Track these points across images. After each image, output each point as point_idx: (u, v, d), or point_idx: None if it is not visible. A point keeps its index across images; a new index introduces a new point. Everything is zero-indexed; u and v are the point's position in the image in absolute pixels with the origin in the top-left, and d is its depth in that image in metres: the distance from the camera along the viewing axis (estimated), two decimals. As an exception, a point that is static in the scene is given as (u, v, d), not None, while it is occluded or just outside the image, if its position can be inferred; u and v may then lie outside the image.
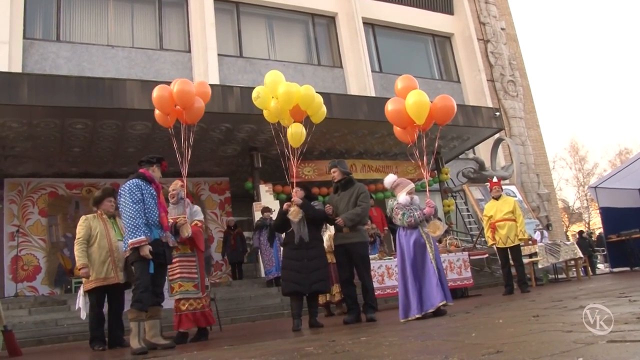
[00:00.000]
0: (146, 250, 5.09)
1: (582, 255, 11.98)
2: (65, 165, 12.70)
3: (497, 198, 9.22)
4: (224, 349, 4.64)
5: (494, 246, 9.26)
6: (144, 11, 15.86)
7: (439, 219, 6.53)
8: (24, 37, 13.57)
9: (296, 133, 6.63)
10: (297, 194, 6.38)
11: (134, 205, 5.14)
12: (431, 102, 6.38)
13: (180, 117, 6.24)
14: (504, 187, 15.57)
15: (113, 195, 6.52)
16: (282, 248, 7.55)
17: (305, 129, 6.75)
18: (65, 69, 13.61)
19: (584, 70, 69.71)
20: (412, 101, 6.25)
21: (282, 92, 6.53)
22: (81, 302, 6.75)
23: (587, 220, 39.08)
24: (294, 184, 6.48)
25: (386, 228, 13.20)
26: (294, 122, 6.68)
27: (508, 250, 9.00)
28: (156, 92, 6.25)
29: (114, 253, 6.25)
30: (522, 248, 10.89)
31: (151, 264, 5.18)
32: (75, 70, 13.67)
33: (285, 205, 6.28)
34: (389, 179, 6.28)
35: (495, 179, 9.58)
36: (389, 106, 6.52)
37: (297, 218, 6.15)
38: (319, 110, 6.93)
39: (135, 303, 5.09)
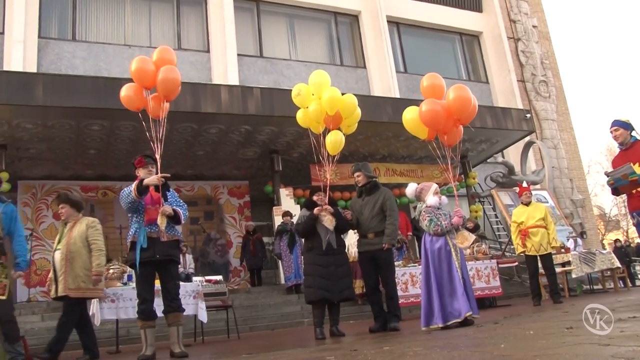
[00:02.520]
0: (151, 179, 5.21)
1: (619, 265, 11.53)
2: (80, 168, 12.74)
3: (527, 204, 8.95)
4: (242, 357, 4.66)
5: (523, 254, 8.95)
6: (162, 10, 15.93)
7: (477, 225, 6.47)
8: (39, 37, 13.66)
9: (336, 141, 6.61)
10: (320, 199, 6.38)
11: (122, 199, 5.36)
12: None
13: (155, 100, 5.75)
14: (535, 192, 15.19)
15: (65, 202, 6.17)
16: (302, 255, 7.45)
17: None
18: (82, 69, 13.67)
19: (622, 70, 68.30)
20: (407, 119, 6.41)
21: (327, 98, 6.44)
22: (95, 308, 6.75)
23: (625, 229, 38.21)
24: (328, 190, 6.43)
25: (410, 233, 13.11)
26: (329, 130, 6.62)
27: (538, 258, 8.74)
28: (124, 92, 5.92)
29: (53, 264, 5.94)
30: (554, 256, 10.52)
31: (135, 266, 5.27)
32: (92, 70, 13.75)
33: (316, 210, 6.21)
34: (411, 189, 6.32)
35: (525, 184, 9.35)
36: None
37: (332, 225, 6.16)
38: (354, 123, 6.92)
39: (138, 314, 5.36)
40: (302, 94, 6.71)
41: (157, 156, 5.48)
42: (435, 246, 5.82)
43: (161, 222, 5.23)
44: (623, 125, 6.05)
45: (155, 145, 5.46)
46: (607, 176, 6.08)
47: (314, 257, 6.17)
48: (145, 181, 5.16)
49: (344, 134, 6.79)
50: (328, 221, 6.15)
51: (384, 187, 6.65)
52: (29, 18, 13.36)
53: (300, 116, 6.87)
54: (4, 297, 5.20)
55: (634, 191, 5.91)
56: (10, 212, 5.44)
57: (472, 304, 5.62)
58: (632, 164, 5.81)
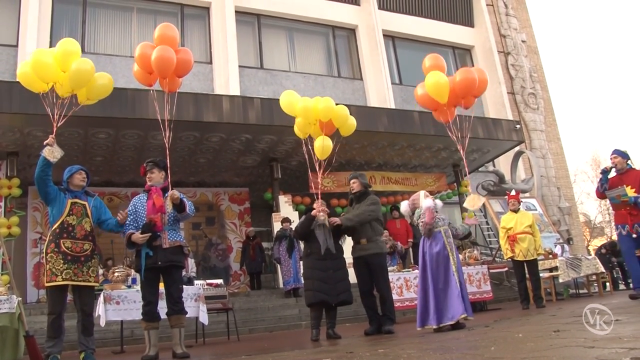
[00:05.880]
0: (136, 237, 5.26)
1: (603, 270, 11.80)
2: (87, 174, 12.77)
3: (515, 211, 9.18)
4: (242, 358, 4.66)
5: (511, 259, 9.21)
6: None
7: (469, 232, 6.58)
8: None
9: (320, 146, 6.78)
10: (321, 207, 6.43)
11: (127, 228, 5.44)
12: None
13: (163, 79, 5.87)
14: (524, 200, 15.51)
15: None
16: (301, 260, 7.59)
17: (334, 141, 6.93)
18: (89, 80, 13.75)
19: (607, 84, 69.00)
20: (430, 82, 6.56)
21: (301, 108, 6.71)
22: (101, 310, 6.85)
23: (609, 235, 38.53)
24: (319, 195, 6.56)
25: (410, 240, 13.15)
26: (324, 134, 6.82)
27: (524, 264, 8.95)
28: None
29: None
30: (542, 262, 10.81)
31: (141, 272, 5.38)
32: (99, 80, 13.83)
33: (314, 211, 6.34)
34: (404, 206, 6.47)
35: (513, 192, 9.54)
36: (418, 91, 6.85)
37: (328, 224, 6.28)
38: (346, 122, 7.05)
39: (142, 316, 5.44)
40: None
41: (165, 140, 5.69)
42: (434, 250, 5.88)
43: (168, 206, 5.36)
44: (621, 154, 7.35)
45: (165, 126, 5.70)
46: (606, 193, 7.36)
47: (313, 261, 6.26)
48: (133, 237, 5.27)
49: (341, 135, 7.06)
50: (329, 223, 6.28)
51: (372, 195, 6.72)
52: (41, 32, 13.50)
53: (296, 131, 7.07)
54: (97, 284, 5.47)
55: (622, 209, 7.20)
56: (99, 205, 5.57)
57: (467, 306, 5.70)
58: (625, 187, 7.09)
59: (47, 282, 5.15)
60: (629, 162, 7.38)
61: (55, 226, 5.25)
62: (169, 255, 5.38)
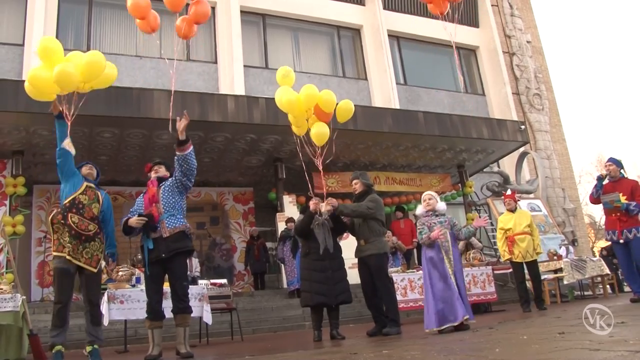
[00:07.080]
0: (132, 220, 5.23)
1: (609, 272, 11.76)
2: (92, 173, 12.82)
3: (512, 210, 9.00)
4: (245, 358, 4.66)
5: (509, 261, 9.01)
6: (172, 22, 15.60)
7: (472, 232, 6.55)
8: (56, 48, 13.84)
9: (316, 133, 6.72)
10: (317, 203, 6.37)
11: (126, 217, 5.47)
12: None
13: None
14: (528, 201, 15.48)
15: None
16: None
17: (332, 132, 6.87)
18: (95, 79, 13.81)
19: (612, 84, 68.81)
20: None
21: (286, 102, 6.69)
22: (105, 309, 6.82)
23: (612, 237, 38.24)
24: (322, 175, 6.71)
25: (415, 240, 13.09)
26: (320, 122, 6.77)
27: (524, 265, 8.80)
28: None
29: None
30: (546, 263, 10.77)
31: (145, 267, 5.35)
32: (104, 80, 13.88)
33: (313, 207, 6.29)
34: (419, 211, 6.41)
35: (509, 192, 9.44)
36: None
37: (327, 214, 6.18)
38: (336, 106, 6.96)
39: (146, 314, 5.40)
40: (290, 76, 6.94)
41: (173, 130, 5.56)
42: (428, 255, 5.95)
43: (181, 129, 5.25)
44: (616, 163, 7.82)
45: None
46: (600, 198, 7.80)
47: (311, 262, 6.23)
48: (130, 221, 5.24)
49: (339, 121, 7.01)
50: (323, 207, 6.17)
51: (373, 193, 6.66)
52: (47, 31, 13.50)
53: (293, 125, 6.99)
54: (94, 270, 5.35)
55: (613, 215, 7.69)
56: (107, 201, 5.63)
57: (468, 308, 5.72)
58: (620, 194, 7.55)
59: (54, 251, 5.18)
60: (622, 170, 7.85)
61: (66, 201, 5.30)
62: (171, 243, 5.25)
